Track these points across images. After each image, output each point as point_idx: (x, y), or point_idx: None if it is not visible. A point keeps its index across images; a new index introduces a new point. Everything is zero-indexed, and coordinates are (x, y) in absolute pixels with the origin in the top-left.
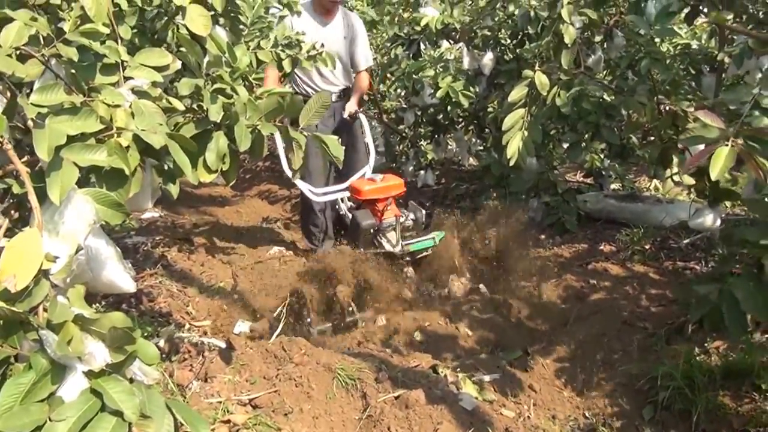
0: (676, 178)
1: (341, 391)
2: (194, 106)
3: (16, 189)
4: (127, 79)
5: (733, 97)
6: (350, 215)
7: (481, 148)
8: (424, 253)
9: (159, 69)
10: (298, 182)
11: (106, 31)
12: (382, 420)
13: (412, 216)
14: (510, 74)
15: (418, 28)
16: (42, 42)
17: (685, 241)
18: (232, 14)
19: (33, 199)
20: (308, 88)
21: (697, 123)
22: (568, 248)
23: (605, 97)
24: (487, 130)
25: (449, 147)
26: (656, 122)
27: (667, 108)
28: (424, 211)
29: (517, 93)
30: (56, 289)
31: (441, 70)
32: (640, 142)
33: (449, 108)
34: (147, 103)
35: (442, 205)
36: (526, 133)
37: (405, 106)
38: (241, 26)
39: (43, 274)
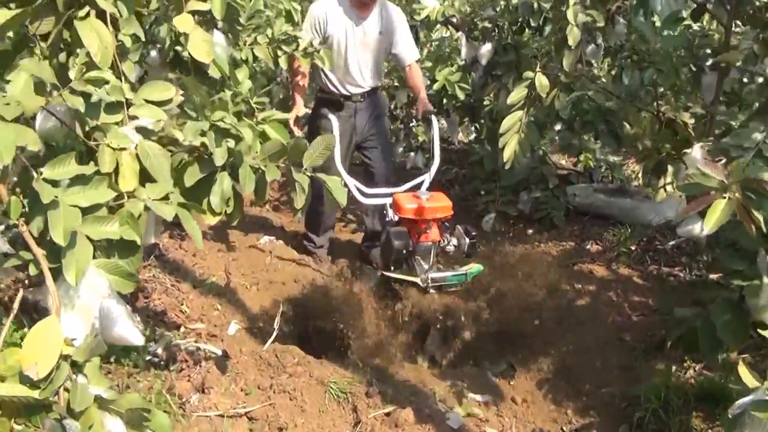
0: (669, 188)
1: (333, 404)
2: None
3: (32, 271)
4: (131, 118)
5: (735, 142)
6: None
7: (474, 139)
8: (453, 288)
9: (162, 103)
10: (344, 175)
11: (113, 78)
12: None
13: (454, 242)
14: (508, 66)
15: (418, 19)
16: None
17: (671, 243)
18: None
19: (50, 284)
20: (332, 87)
21: (698, 171)
22: (555, 245)
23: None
24: (482, 120)
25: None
26: (655, 136)
27: (667, 116)
28: (467, 240)
29: (517, 94)
30: (75, 368)
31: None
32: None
33: (445, 100)
34: (152, 146)
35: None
36: (523, 135)
37: (397, 84)
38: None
39: (63, 358)
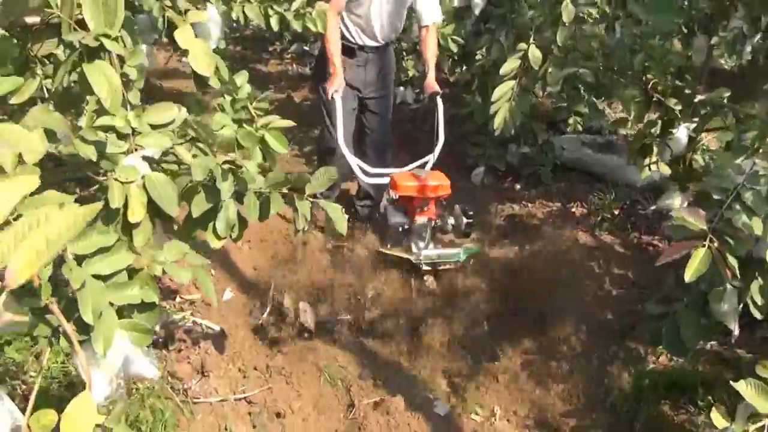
0: (653, 167)
1: (327, 387)
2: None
3: (62, 343)
4: (137, 147)
5: (716, 184)
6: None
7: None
8: (447, 266)
9: (165, 125)
10: (347, 153)
11: (122, 123)
12: (365, 426)
13: (451, 221)
14: (502, 18)
15: None
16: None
17: (652, 208)
18: None
19: (83, 360)
20: (348, 35)
21: (680, 216)
22: (542, 206)
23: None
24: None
25: None
26: (642, 121)
27: (656, 98)
28: (465, 219)
29: (510, 65)
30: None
31: None
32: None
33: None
34: (159, 176)
35: (420, 130)
36: (514, 103)
37: None
38: None
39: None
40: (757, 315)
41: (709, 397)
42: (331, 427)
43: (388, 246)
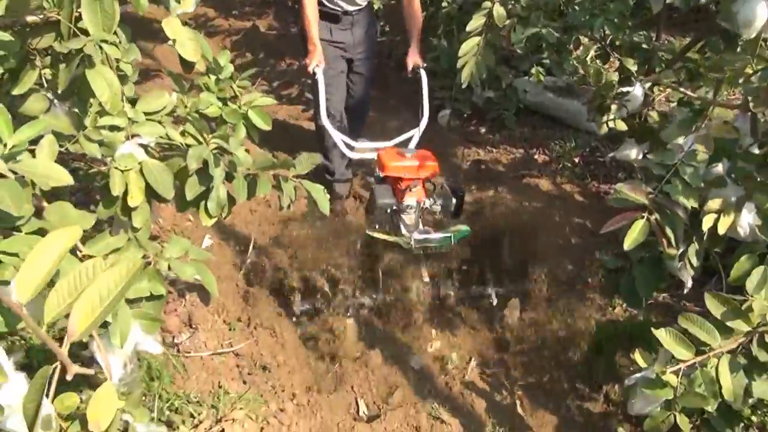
0: (611, 124)
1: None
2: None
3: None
4: (133, 135)
5: (659, 160)
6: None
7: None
8: (436, 249)
9: (157, 112)
10: (330, 129)
11: (123, 123)
12: (346, 379)
13: (440, 202)
14: None
15: None
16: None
17: (610, 155)
18: None
19: (102, 350)
20: (329, 3)
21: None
22: (506, 153)
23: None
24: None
25: None
26: (599, 82)
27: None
28: (454, 200)
29: (475, 22)
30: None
31: None
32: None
33: None
34: (155, 163)
35: (386, 66)
36: (480, 58)
37: None
38: None
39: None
40: (692, 273)
41: (658, 346)
42: (316, 380)
43: (376, 227)
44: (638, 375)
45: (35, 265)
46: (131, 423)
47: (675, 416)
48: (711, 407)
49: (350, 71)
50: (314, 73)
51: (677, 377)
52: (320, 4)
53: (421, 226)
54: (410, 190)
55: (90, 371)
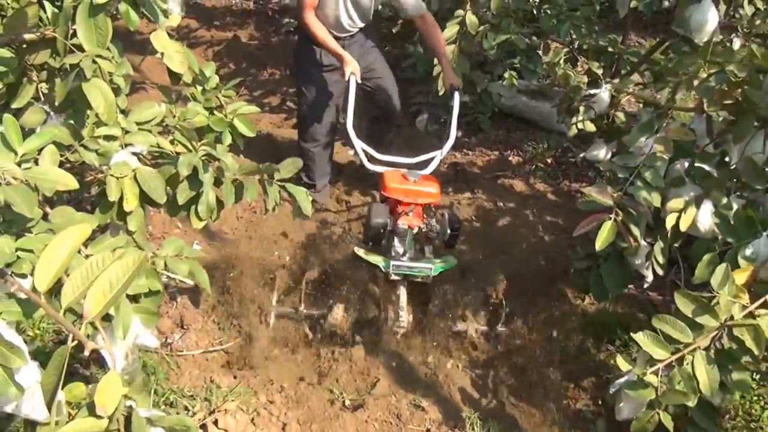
0: (580, 125)
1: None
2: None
3: (88, 330)
4: (127, 144)
5: (622, 164)
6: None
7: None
8: (419, 279)
9: (148, 122)
10: (354, 138)
11: (118, 133)
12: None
13: (437, 229)
14: None
15: None
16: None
17: (581, 155)
18: None
19: (107, 342)
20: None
21: (589, 194)
22: (482, 155)
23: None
24: None
25: None
26: (567, 84)
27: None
28: (449, 231)
29: (449, 31)
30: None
31: None
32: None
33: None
34: (148, 170)
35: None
36: (455, 65)
37: None
38: None
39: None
40: (659, 271)
41: (626, 336)
42: (303, 373)
43: (369, 244)
44: (621, 380)
45: (51, 258)
46: (134, 408)
47: (659, 415)
48: (692, 402)
49: (367, 82)
50: (348, 81)
51: (657, 377)
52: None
53: (411, 252)
54: (406, 215)
55: (101, 346)
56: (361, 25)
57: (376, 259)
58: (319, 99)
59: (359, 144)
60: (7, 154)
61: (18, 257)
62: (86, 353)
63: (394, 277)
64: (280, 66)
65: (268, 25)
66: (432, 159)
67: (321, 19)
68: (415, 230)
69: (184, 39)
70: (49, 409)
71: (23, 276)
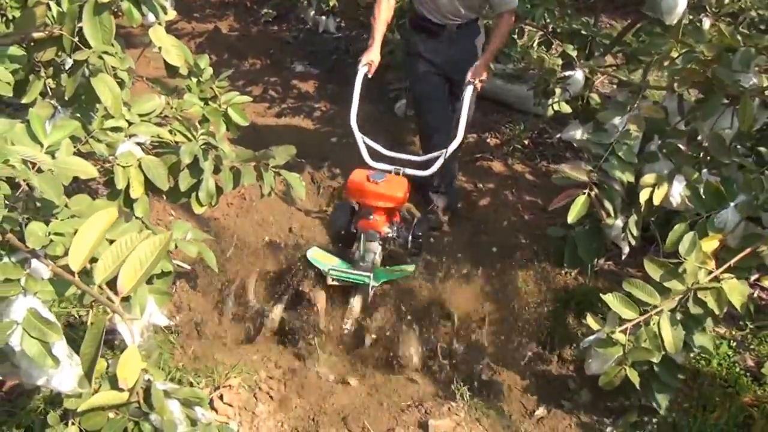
0: (556, 107)
1: None
2: None
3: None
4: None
5: (597, 140)
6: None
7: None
8: (357, 284)
9: (149, 114)
10: (356, 132)
11: (123, 124)
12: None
13: (402, 234)
14: None
15: None
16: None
17: (557, 136)
18: None
19: (126, 320)
20: (423, 12)
21: (564, 170)
22: None
23: None
24: None
25: None
26: (543, 67)
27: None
28: (411, 238)
29: None
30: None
31: None
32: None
33: None
34: (152, 159)
35: (343, 61)
36: None
37: None
38: None
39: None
40: (633, 243)
41: (604, 308)
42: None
43: (339, 244)
44: (591, 338)
45: (83, 240)
46: (152, 381)
47: (626, 370)
48: (656, 359)
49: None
50: (358, 72)
51: (625, 336)
52: (415, 16)
53: (374, 257)
54: (366, 218)
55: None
56: (465, 16)
57: (323, 263)
58: (420, 88)
59: (361, 138)
60: (34, 146)
61: (51, 240)
62: (121, 325)
63: (332, 282)
64: (260, 56)
65: (247, 16)
66: (436, 159)
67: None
68: (370, 233)
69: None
70: (89, 378)
71: (57, 258)
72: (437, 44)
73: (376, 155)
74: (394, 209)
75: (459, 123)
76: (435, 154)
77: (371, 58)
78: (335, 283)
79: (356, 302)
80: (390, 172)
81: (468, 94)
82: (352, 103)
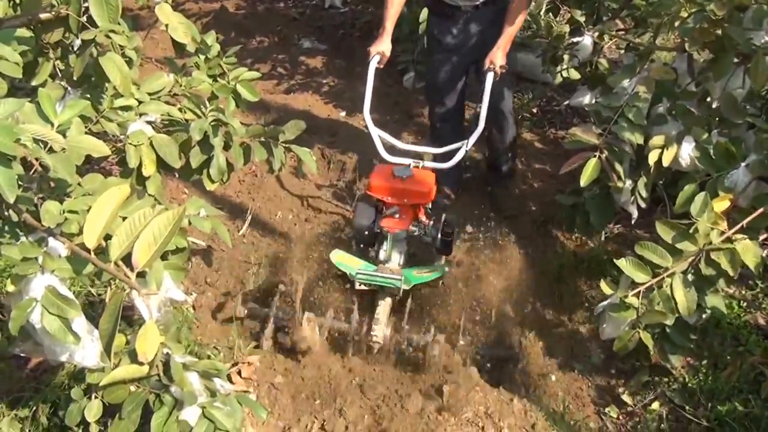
0: (564, 73)
1: None
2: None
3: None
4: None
5: (606, 104)
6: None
7: None
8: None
9: (159, 92)
10: (369, 124)
11: (134, 103)
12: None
13: (433, 233)
14: None
15: None
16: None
17: (566, 103)
18: None
19: (145, 300)
20: None
21: (574, 133)
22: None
23: None
24: None
25: None
26: (551, 35)
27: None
28: (440, 237)
29: None
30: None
31: None
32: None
33: None
34: (163, 137)
35: (350, 36)
36: None
37: None
38: None
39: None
40: (642, 205)
41: (615, 272)
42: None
43: (361, 245)
44: (605, 303)
45: (98, 218)
46: (171, 354)
47: (639, 334)
48: (670, 321)
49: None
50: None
51: (638, 299)
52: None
53: (400, 258)
54: (391, 216)
55: (154, 292)
56: (470, 1)
57: (350, 266)
58: (440, 77)
59: (376, 132)
60: (45, 125)
61: (66, 218)
62: (138, 300)
63: (359, 287)
64: (268, 34)
65: None
66: (457, 150)
67: None
68: (397, 233)
69: None
70: (108, 353)
71: (73, 236)
72: (453, 26)
73: (391, 149)
74: (420, 206)
75: (482, 111)
76: (456, 145)
77: (382, 48)
78: (363, 287)
79: (380, 307)
80: (409, 165)
81: (489, 82)
82: (366, 97)
